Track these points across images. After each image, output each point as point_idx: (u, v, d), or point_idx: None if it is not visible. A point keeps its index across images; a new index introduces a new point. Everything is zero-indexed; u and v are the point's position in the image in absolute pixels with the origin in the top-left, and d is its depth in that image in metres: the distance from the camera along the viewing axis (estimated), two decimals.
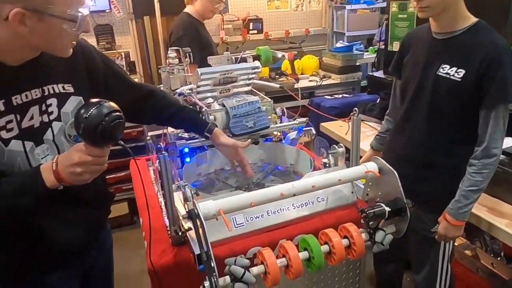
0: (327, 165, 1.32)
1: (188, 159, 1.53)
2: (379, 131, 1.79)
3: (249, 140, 1.38)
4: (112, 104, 0.81)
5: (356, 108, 1.25)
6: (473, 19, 1.31)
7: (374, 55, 3.95)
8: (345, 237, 0.99)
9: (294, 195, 1.02)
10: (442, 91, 1.34)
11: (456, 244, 1.64)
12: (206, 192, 1.45)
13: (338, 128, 2.54)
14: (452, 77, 1.31)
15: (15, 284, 1.04)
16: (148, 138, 1.60)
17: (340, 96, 2.91)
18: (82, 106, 0.81)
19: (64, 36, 0.87)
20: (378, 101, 2.69)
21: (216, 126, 1.32)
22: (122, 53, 3.19)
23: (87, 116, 0.78)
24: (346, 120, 1.32)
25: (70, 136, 0.99)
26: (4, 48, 0.86)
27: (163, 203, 1.35)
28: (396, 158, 1.46)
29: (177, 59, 1.61)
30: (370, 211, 1.00)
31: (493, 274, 1.61)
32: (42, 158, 0.94)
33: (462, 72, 1.29)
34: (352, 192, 1.24)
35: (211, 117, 1.36)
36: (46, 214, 0.96)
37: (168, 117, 1.28)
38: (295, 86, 2.79)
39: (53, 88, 0.97)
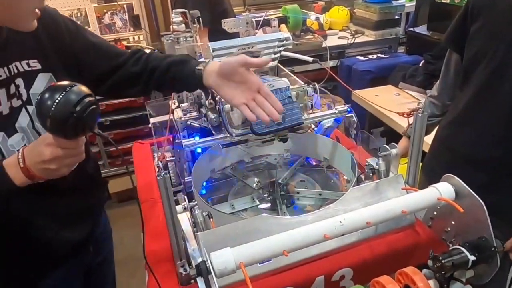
0: (375, 171, 1.03)
1: (199, 150, 1.26)
2: None
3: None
4: (82, 87, 0.67)
5: (422, 103, 0.93)
6: None
7: (412, 3, 3.45)
8: (406, 286, 0.74)
9: (343, 234, 0.75)
10: None
11: None
12: (222, 194, 1.20)
13: (373, 97, 2.20)
14: None
15: None
16: (150, 125, 1.33)
17: (375, 56, 2.51)
18: (44, 92, 0.66)
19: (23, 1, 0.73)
20: (420, 65, 2.30)
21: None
22: (124, 6, 2.80)
23: (53, 107, 0.64)
24: (405, 115, 1.00)
25: None
26: None
27: None
28: (457, 160, 1.16)
29: (183, 25, 1.28)
30: (447, 260, 0.73)
31: None
32: (18, 151, 0.78)
33: None
34: None
35: (227, 107, 1.05)
36: (28, 209, 0.87)
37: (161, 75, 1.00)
38: (323, 45, 2.41)
39: (16, 66, 0.83)
